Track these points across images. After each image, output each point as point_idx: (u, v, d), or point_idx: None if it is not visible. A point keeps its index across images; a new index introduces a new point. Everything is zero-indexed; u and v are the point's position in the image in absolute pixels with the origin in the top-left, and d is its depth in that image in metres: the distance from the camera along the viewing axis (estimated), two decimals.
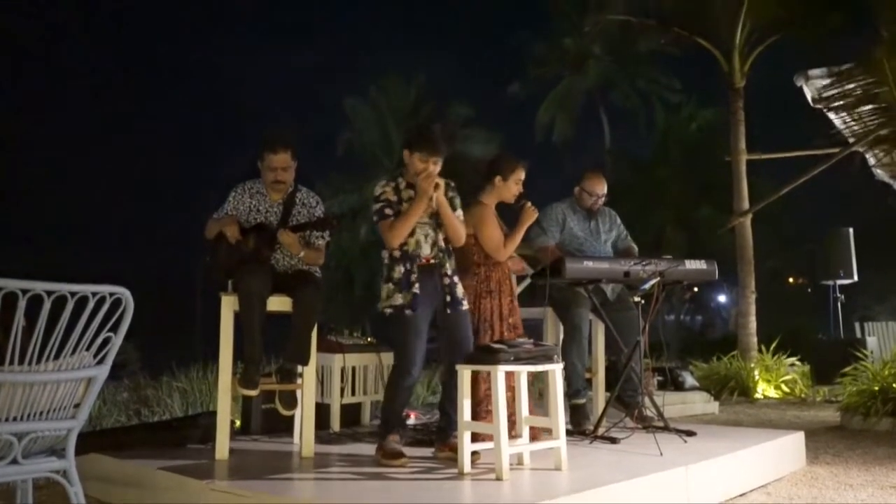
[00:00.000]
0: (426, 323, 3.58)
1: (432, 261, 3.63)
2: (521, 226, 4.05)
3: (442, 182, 3.56)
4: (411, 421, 4.96)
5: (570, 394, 4.44)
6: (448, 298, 3.60)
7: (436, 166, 3.59)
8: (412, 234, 3.58)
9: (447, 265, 3.64)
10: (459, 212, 3.71)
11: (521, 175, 4.14)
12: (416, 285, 3.53)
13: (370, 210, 3.74)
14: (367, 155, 24.65)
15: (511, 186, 4.12)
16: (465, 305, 3.66)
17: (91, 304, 2.25)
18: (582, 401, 4.48)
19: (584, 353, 4.55)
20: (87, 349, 2.31)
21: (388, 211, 3.59)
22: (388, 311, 3.56)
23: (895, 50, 8.14)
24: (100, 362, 2.36)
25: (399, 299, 3.53)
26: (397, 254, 3.58)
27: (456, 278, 3.67)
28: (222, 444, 3.60)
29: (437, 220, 3.64)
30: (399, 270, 3.55)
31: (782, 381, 8.74)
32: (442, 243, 3.65)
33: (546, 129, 26.36)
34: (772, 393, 8.65)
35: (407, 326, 3.51)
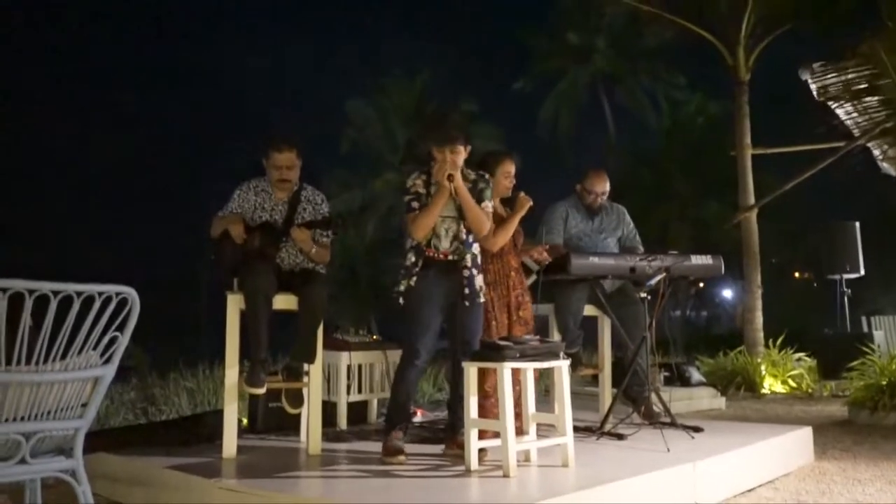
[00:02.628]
0: (436, 317, 3.56)
1: (450, 256, 3.60)
2: (515, 214, 4.00)
3: (457, 172, 3.50)
4: (418, 419, 4.96)
5: (566, 345, 4.38)
6: (466, 291, 3.58)
7: (454, 155, 3.53)
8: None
9: (467, 257, 3.60)
10: (487, 203, 3.62)
11: (509, 168, 4.09)
12: (414, 278, 3.53)
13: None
14: (372, 152, 24.63)
15: (501, 181, 4.04)
16: (482, 298, 3.64)
17: (97, 304, 2.26)
18: (576, 349, 4.52)
19: (577, 316, 4.55)
20: (94, 349, 2.31)
21: (414, 204, 3.57)
22: (397, 296, 3.60)
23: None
24: (106, 362, 2.37)
25: (402, 286, 3.56)
26: (413, 242, 3.61)
27: (475, 271, 3.62)
28: (229, 443, 3.61)
29: (461, 212, 3.58)
30: (409, 258, 3.59)
31: (789, 376, 8.71)
32: (463, 236, 3.61)
33: (549, 124, 26.29)
34: (778, 388, 8.62)
35: (412, 316, 3.53)
